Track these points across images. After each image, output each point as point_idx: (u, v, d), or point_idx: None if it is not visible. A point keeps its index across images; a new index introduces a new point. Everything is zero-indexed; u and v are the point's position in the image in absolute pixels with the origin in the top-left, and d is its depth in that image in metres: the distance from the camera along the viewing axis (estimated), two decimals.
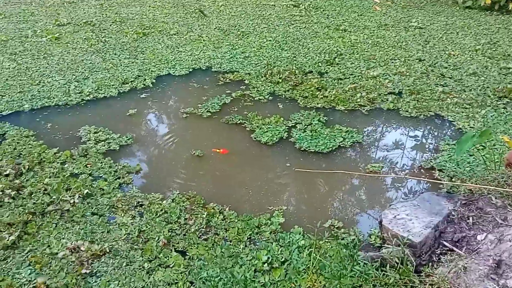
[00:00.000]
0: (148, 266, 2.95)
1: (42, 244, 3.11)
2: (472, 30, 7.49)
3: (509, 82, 5.47)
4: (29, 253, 3.04)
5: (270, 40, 7.02)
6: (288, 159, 4.14)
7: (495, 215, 2.98)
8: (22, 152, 4.14)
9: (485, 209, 3.05)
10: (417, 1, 9.38)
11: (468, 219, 3.00)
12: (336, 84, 5.54)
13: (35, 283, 2.80)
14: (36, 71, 5.83)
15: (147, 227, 3.28)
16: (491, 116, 4.72)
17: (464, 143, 3.45)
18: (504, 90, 5.19)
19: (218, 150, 4.28)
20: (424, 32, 7.38)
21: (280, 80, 5.60)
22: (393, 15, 8.43)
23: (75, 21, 7.86)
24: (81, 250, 3.04)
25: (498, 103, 5.00)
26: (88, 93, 5.26)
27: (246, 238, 3.18)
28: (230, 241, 3.17)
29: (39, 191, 3.60)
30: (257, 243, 3.15)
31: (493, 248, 2.73)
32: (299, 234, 3.20)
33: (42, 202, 3.48)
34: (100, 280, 2.85)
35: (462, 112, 4.83)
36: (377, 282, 2.62)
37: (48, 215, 3.37)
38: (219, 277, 2.82)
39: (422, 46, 6.77)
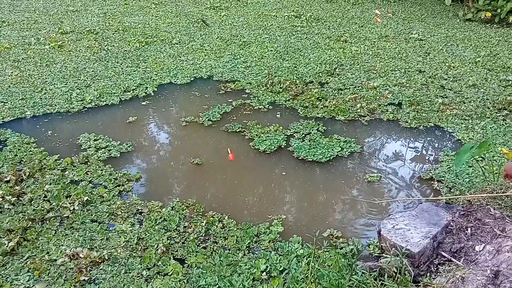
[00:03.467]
0: (146, 273, 2.95)
1: (41, 251, 3.11)
2: (472, 42, 7.54)
3: (508, 94, 5.50)
4: (28, 260, 3.04)
5: (271, 50, 7.07)
6: (286, 167, 4.16)
7: (494, 226, 2.98)
8: (23, 158, 4.16)
9: (483, 220, 3.06)
10: (418, 13, 9.45)
11: (467, 229, 3.01)
12: (336, 94, 5.57)
13: None
14: (39, 79, 5.87)
15: (146, 234, 3.29)
16: (490, 127, 4.74)
17: (463, 154, 3.47)
18: (503, 102, 5.22)
19: (229, 152, 4.31)
20: (424, 44, 7.44)
21: (281, 90, 5.63)
22: (393, 26, 8.49)
23: (78, 30, 7.93)
24: (80, 257, 3.04)
25: (497, 115, 5.02)
26: (89, 101, 5.29)
27: (245, 247, 3.19)
28: (229, 250, 3.17)
29: (39, 198, 3.62)
30: (256, 252, 3.15)
31: (491, 259, 2.74)
32: (298, 243, 3.20)
33: (42, 208, 3.49)
34: (99, 287, 2.85)
35: (462, 124, 4.85)
36: None
37: (47, 221, 3.38)
38: (217, 286, 2.83)
39: (422, 57, 6.82)
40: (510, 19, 8.37)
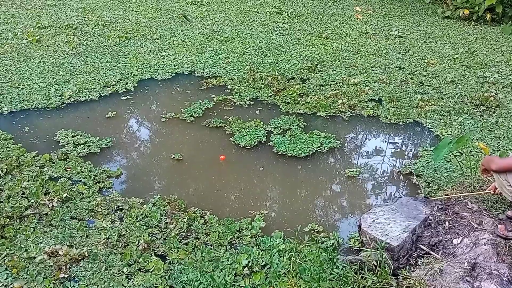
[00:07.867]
0: (127, 270, 2.93)
1: (20, 248, 3.06)
2: (450, 39, 7.66)
3: (485, 90, 5.61)
4: (6, 257, 2.99)
5: (253, 46, 7.06)
6: (265, 162, 4.17)
7: (471, 219, 3.05)
8: (0, 155, 4.07)
9: (461, 214, 3.12)
10: (398, 10, 9.55)
11: (445, 223, 3.06)
12: (317, 90, 5.59)
13: (11, 287, 2.75)
14: (16, 74, 5.75)
15: (127, 231, 3.26)
16: (468, 123, 4.83)
17: (441, 149, 3.53)
18: (480, 98, 5.32)
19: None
20: (404, 41, 7.52)
21: (263, 86, 5.63)
22: (374, 23, 8.56)
23: (56, 24, 7.78)
24: (59, 254, 3.00)
25: (474, 110, 5.11)
26: (68, 96, 5.21)
27: (226, 242, 3.19)
28: (211, 245, 3.17)
29: (17, 195, 3.55)
30: (238, 247, 3.16)
31: (469, 252, 2.80)
32: (280, 238, 3.22)
33: (20, 205, 3.42)
34: (79, 284, 2.81)
35: (440, 119, 4.93)
36: (355, 285, 2.65)
37: (26, 219, 3.33)
38: (199, 281, 2.83)
39: (402, 54, 6.90)
40: (488, 16, 8.51)
